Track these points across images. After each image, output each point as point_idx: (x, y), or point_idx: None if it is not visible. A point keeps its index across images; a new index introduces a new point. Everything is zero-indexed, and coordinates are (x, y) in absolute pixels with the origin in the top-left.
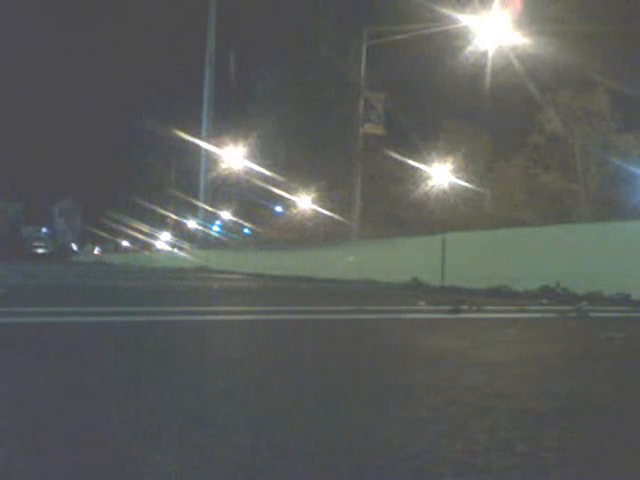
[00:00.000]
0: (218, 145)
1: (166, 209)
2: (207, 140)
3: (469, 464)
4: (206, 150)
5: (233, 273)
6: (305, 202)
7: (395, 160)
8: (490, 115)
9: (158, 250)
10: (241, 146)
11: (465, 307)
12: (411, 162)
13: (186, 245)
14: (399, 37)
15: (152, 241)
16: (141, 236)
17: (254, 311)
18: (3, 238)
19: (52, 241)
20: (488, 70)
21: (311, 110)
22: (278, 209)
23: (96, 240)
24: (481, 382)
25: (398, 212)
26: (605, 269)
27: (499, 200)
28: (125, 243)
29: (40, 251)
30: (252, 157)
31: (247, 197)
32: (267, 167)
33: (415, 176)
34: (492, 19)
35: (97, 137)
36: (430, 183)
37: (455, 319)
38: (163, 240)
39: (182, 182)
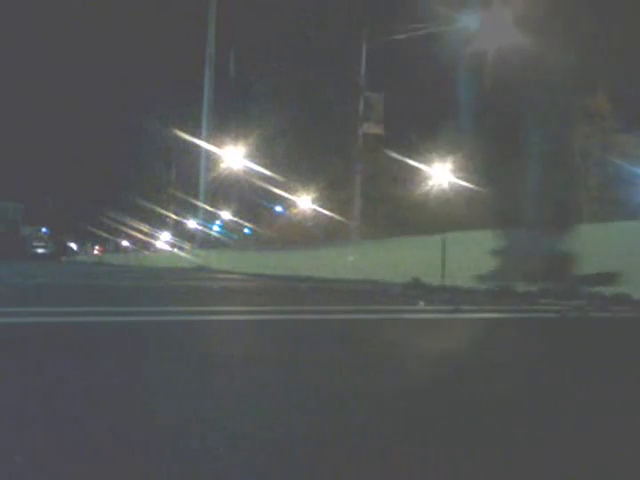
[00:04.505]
0: (218, 145)
1: (166, 209)
2: (207, 140)
3: (468, 464)
4: (206, 150)
5: (233, 273)
6: (305, 202)
7: (395, 160)
8: None
9: (157, 250)
10: (241, 146)
11: (465, 307)
12: (411, 162)
13: (186, 245)
14: (399, 37)
15: (152, 241)
16: (141, 236)
17: (253, 311)
18: (3, 238)
19: None
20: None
21: (311, 110)
22: (278, 209)
23: (96, 240)
24: (481, 382)
25: (398, 212)
26: (605, 269)
27: None
28: (125, 243)
29: (40, 251)
30: (252, 157)
31: (247, 197)
32: (267, 167)
33: (415, 176)
34: (492, 19)
35: (97, 136)
36: (430, 183)
37: (455, 319)
38: (163, 240)
39: (182, 182)
